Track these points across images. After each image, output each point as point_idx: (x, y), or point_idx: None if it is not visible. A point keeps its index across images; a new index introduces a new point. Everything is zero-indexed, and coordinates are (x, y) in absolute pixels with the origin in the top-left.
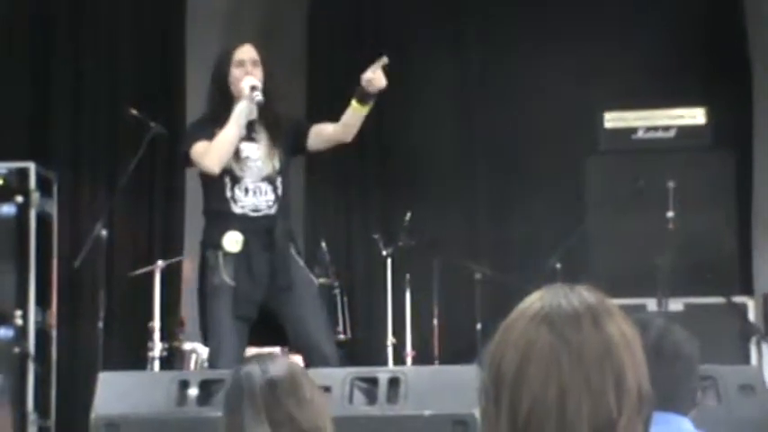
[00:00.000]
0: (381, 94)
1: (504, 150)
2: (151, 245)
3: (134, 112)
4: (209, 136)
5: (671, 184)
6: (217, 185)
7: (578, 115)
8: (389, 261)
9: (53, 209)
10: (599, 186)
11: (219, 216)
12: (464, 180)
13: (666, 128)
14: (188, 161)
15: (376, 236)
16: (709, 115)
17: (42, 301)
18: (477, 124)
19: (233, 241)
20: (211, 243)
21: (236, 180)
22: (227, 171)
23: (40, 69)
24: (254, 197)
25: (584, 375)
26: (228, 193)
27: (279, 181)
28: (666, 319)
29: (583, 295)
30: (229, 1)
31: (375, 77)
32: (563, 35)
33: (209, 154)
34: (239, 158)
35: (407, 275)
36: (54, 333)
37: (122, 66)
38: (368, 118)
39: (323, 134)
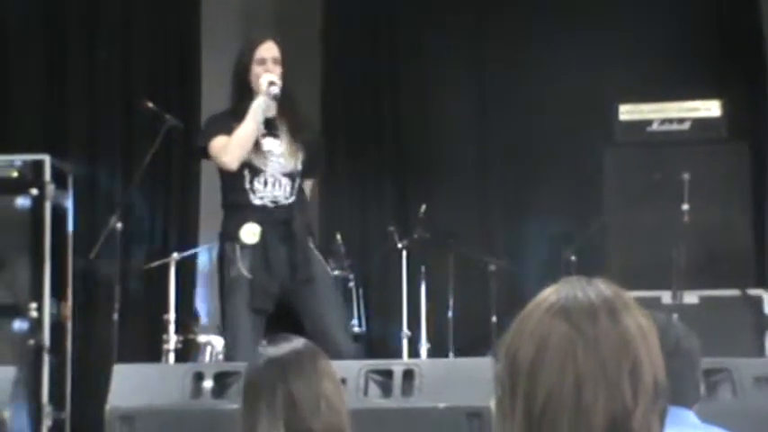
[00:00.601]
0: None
1: (519, 143)
2: (166, 237)
3: (149, 104)
4: (228, 131)
5: (686, 177)
6: (236, 177)
7: (593, 108)
8: (404, 253)
9: (68, 201)
10: (614, 179)
11: (238, 208)
12: (479, 172)
13: (681, 120)
14: (206, 155)
15: (391, 228)
16: (724, 108)
17: (57, 294)
18: (492, 117)
19: (250, 233)
20: (229, 235)
21: (255, 172)
22: (246, 164)
23: (56, 62)
24: (272, 189)
25: (600, 366)
26: (248, 185)
27: (298, 179)
28: (667, 315)
29: (599, 288)
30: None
31: None
32: (577, 28)
33: (228, 150)
34: (260, 151)
35: (422, 268)
36: (69, 325)
37: (137, 58)
38: (385, 110)
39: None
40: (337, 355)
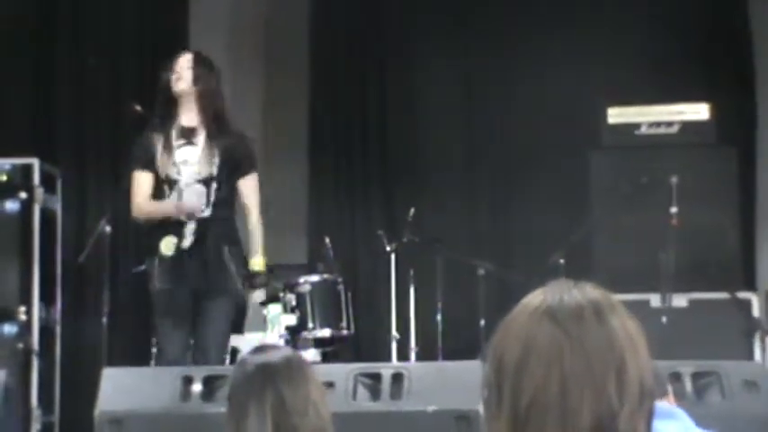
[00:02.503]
0: (385, 94)
1: (507, 146)
2: None
3: (138, 107)
4: (147, 162)
5: (674, 180)
6: (156, 191)
7: (581, 111)
8: (393, 257)
9: (57, 205)
10: (602, 182)
11: (157, 223)
12: (467, 176)
13: (669, 123)
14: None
15: (380, 232)
16: (713, 111)
17: (46, 298)
18: (479, 120)
19: (169, 244)
20: (149, 250)
21: (172, 184)
22: (164, 178)
23: (44, 66)
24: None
25: (586, 367)
26: (166, 198)
27: (214, 186)
28: None
29: (586, 291)
30: (232, 3)
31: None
32: (565, 31)
33: (139, 208)
34: (175, 163)
35: (411, 271)
36: (58, 329)
37: (125, 63)
38: (372, 115)
39: (240, 195)
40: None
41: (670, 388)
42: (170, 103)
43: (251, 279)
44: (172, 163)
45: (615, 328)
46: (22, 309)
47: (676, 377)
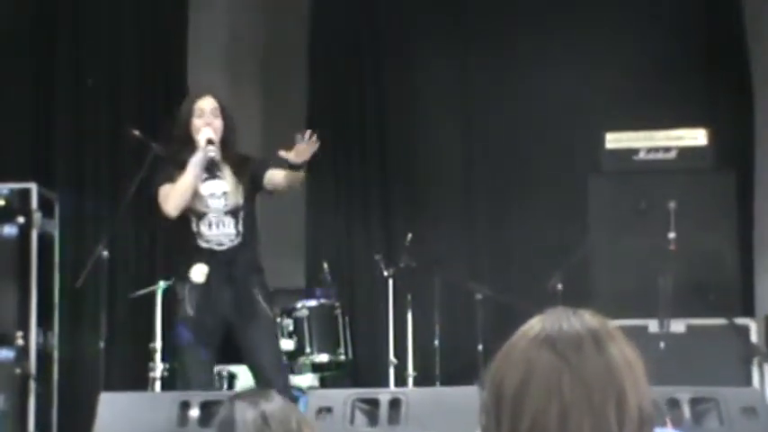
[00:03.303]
0: (384, 119)
1: (505, 171)
2: (152, 265)
3: (136, 132)
4: (172, 178)
5: (672, 205)
6: (184, 223)
7: (580, 136)
8: (391, 282)
9: (55, 229)
10: (600, 207)
11: (187, 251)
12: (465, 201)
13: (668, 149)
14: (156, 201)
15: (377, 257)
16: (711, 136)
17: (44, 322)
18: (478, 145)
19: (200, 272)
20: (179, 276)
21: (200, 216)
22: (190, 209)
23: (42, 90)
24: (217, 229)
25: (585, 395)
26: (195, 229)
27: (242, 215)
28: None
29: (585, 319)
30: (231, 19)
31: (300, 153)
32: (564, 56)
33: (168, 200)
34: (202, 196)
35: (409, 296)
36: (55, 354)
37: (124, 86)
38: (370, 138)
39: (274, 179)
40: (266, 385)
41: (667, 416)
42: (189, 140)
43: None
44: (199, 196)
45: (614, 357)
46: (20, 333)
47: (674, 403)
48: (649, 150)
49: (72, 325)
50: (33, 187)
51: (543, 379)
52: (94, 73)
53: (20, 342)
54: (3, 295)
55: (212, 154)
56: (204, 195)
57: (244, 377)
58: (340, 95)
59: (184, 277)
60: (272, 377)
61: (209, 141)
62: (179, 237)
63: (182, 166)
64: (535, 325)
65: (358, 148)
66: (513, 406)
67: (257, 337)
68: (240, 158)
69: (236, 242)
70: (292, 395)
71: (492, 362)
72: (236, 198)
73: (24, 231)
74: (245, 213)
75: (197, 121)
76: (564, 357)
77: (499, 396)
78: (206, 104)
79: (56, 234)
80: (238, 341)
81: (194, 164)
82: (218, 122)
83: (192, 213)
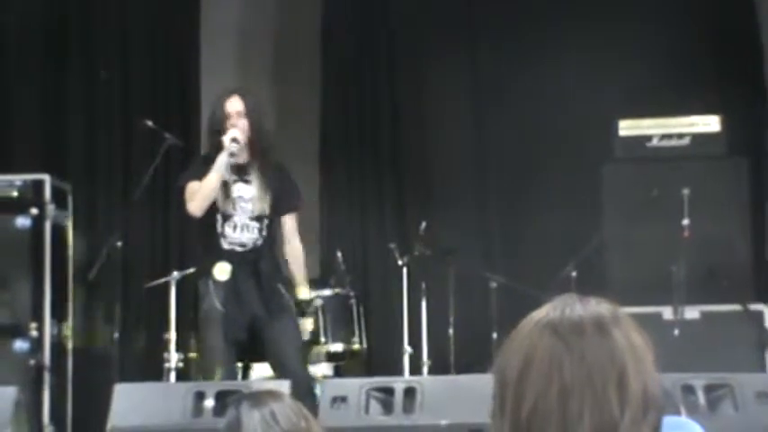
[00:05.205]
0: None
1: (518, 159)
2: (166, 256)
3: (149, 123)
4: (201, 176)
5: (686, 192)
6: (209, 222)
7: (593, 123)
8: (405, 270)
9: (68, 221)
10: (614, 194)
11: (210, 249)
12: (479, 189)
13: (681, 135)
14: (183, 196)
15: (392, 245)
16: (724, 123)
17: (58, 314)
18: (491, 133)
19: (223, 271)
20: (202, 272)
21: (226, 218)
22: (218, 209)
23: (54, 82)
24: (241, 233)
25: (586, 377)
26: (219, 229)
27: (266, 223)
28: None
29: (590, 305)
30: (243, 12)
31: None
32: (576, 44)
33: (193, 199)
34: (230, 198)
35: (423, 284)
36: (70, 345)
37: (136, 77)
38: (383, 128)
39: (286, 229)
40: (291, 378)
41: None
42: (218, 140)
43: (299, 307)
44: (227, 197)
45: (616, 340)
46: (34, 325)
47: (689, 390)
48: (662, 137)
49: (86, 316)
50: (47, 179)
51: (544, 362)
52: (107, 65)
53: (34, 333)
54: (17, 287)
55: (234, 149)
56: (234, 197)
57: (258, 369)
58: (353, 87)
59: (207, 274)
60: (296, 369)
61: (234, 140)
62: (202, 236)
63: (211, 165)
64: (540, 312)
65: (371, 137)
66: (516, 390)
67: (283, 330)
68: (275, 168)
69: (259, 244)
70: (313, 388)
71: (500, 349)
72: (263, 206)
73: (38, 223)
74: (270, 221)
75: (226, 124)
76: (564, 340)
77: (503, 381)
78: (232, 107)
79: (69, 225)
80: (263, 333)
81: (219, 164)
82: (243, 123)
83: (219, 214)
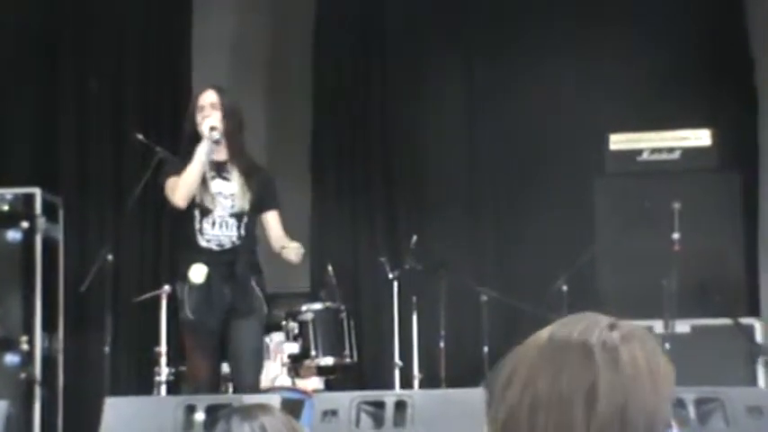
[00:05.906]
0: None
1: (510, 173)
2: (157, 269)
3: (140, 137)
4: (180, 171)
5: (676, 206)
6: (188, 218)
7: (584, 137)
8: (396, 284)
9: (59, 234)
10: (605, 208)
11: (187, 248)
12: (470, 203)
13: (672, 149)
14: (165, 192)
15: (383, 259)
16: (715, 137)
17: (49, 327)
18: (483, 147)
19: (198, 273)
20: (179, 275)
21: (204, 213)
22: (197, 204)
23: (45, 95)
24: (220, 230)
25: (557, 393)
26: (197, 225)
27: (245, 220)
28: None
29: (586, 327)
30: (235, 24)
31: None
32: (568, 57)
33: (176, 190)
34: (209, 192)
35: (414, 298)
36: (60, 358)
37: (128, 90)
38: (374, 140)
39: (268, 228)
40: (238, 382)
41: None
42: (195, 136)
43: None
44: (207, 192)
45: (597, 360)
46: (25, 338)
47: (680, 404)
48: (653, 151)
49: (77, 329)
50: (37, 192)
51: (523, 374)
52: (98, 76)
53: (25, 347)
54: (8, 300)
55: (216, 137)
56: (213, 193)
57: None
58: (344, 97)
59: (183, 277)
60: (245, 370)
61: (212, 128)
62: (181, 234)
63: (189, 161)
64: (544, 331)
65: (362, 150)
66: (498, 398)
67: (245, 329)
68: (251, 167)
69: (236, 244)
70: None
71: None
72: (243, 203)
73: (28, 236)
74: (249, 219)
75: (198, 116)
76: (546, 357)
77: (492, 389)
78: (205, 99)
79: (60, 239)
80: (227, 330)
81: (200, 151)
82: (217, 114)
83: (198, 209)
